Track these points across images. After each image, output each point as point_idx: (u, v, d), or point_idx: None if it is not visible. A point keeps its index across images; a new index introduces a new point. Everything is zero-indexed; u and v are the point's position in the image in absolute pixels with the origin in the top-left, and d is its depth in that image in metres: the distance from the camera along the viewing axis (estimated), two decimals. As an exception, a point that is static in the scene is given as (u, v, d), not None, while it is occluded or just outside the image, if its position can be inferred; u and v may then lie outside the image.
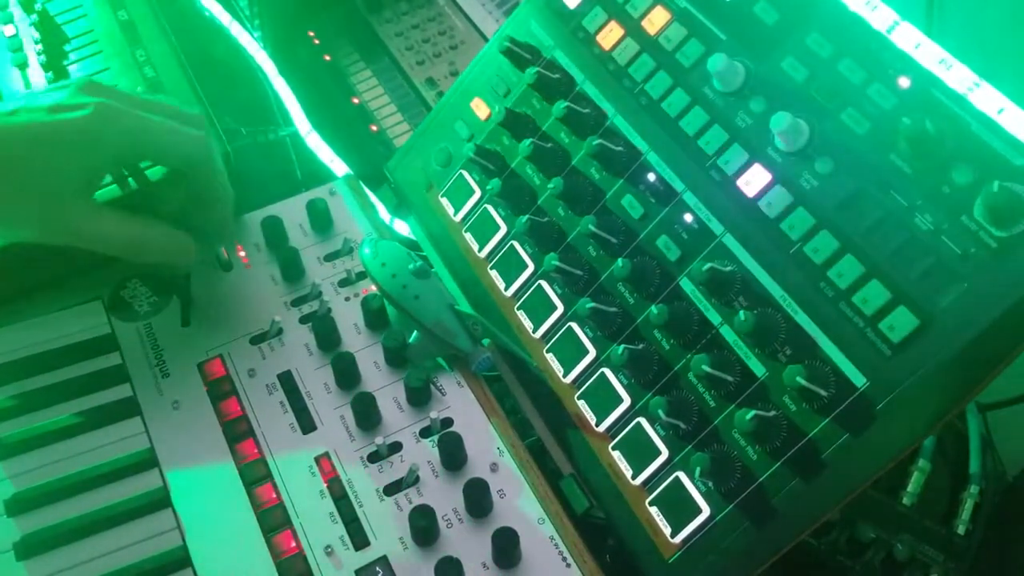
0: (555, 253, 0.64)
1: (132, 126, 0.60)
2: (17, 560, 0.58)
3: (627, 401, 0.59)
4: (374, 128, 0.93)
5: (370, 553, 0.58)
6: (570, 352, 0.63)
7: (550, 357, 0.64)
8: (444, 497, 0.60)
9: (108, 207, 0.62)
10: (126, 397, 0.66)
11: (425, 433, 0.63)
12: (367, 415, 0.62)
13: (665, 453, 0.57)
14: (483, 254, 0.70)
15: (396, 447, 0.62)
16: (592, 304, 0.60)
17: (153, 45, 0.84)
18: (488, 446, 0.62)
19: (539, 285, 0.66)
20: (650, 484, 0.58)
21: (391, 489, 0.60)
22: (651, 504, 0.57)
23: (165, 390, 0.66)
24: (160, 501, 0.61)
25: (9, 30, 0.87)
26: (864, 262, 0.52)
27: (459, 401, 0.64)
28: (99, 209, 0.61)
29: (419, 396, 0.63)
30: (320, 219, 0.74)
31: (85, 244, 0.63)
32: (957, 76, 0.52)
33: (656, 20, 0.65)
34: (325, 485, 0.61)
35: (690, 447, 0.56)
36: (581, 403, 0.62)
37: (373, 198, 0.79)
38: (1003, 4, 0.83)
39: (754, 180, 0.57)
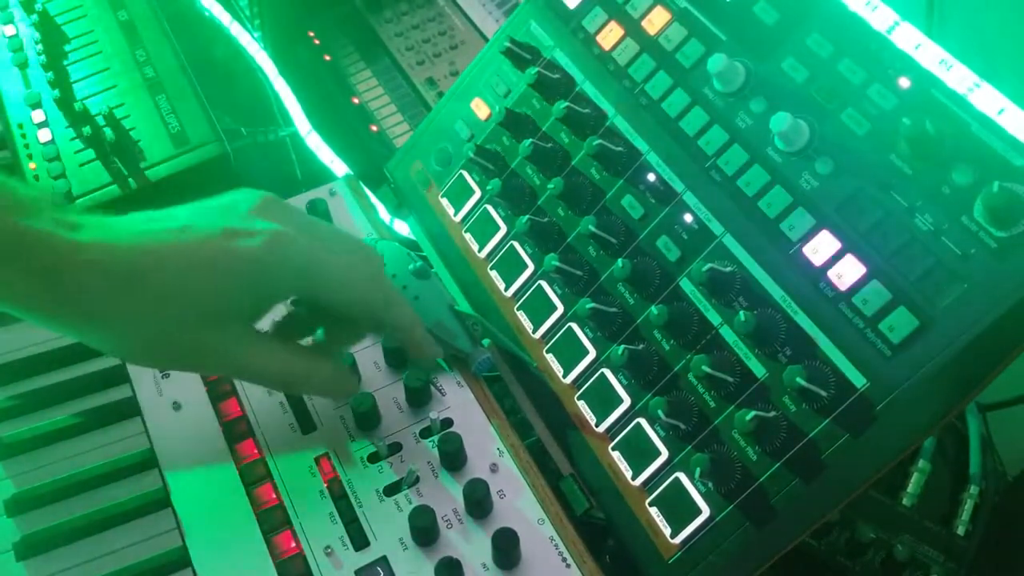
0: (555, 253, 0.64)
1: (307, 260, 0.54)
2: (17, 560, 0.58)
3: (627, 401, 0.59)
4: (374, 128, 0.93)
5: (370, 553, 0.58)
6: (570, 352, 0.63)
7: (550, 357, 0.64)
8: (444, 498, 0.60)
9: (270, 339, 0.57)
10: (126, 397, 0.66)
11: (425, 434, 0.63)
12: (367, 415, 0.62)
13: (665, 454, 0.57)
14: (483, 254, 0.70)
15: (396, 447, 0.62)
16: (592, 304, 0.60)
17: (153, 45, 0.84)
18: (488, 447, 0.62)
19: (539, 285, 0.66)
20: (650, 485, 0.58)
21: (391, 489, 0.60)
22: (651, 505, 0.57)
23: (165, 390, 0.66)
24: (160, 501, 0.61)
25: (9, 30, 0.87)
26: (864, 263, 0.52)
27: (459, 402, 0.64)
28: (260, 341, 0.56)
29: (419, 397, 0.63)
30: (320, 219, 0.74)
31: (241, 376, 0.60)
32: (957, 76, 0.52)
33: (656, 20, 0.65)
34: (325, 485, 0.61)
35: (690, 448, 0.56)
36: (581, 403, 0.62)
37: (373, 198, 0.79)
38: (1003, 4, 0.83)
39: (754, 181, 0.57)
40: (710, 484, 0.54)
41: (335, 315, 0.58)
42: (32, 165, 0.77)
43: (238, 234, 0.52)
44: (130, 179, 0.71)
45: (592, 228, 0.62)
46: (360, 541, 0.58)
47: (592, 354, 0.62)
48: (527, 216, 0.66)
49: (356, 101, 0.96)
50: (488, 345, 0.66)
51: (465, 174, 0.72)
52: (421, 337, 0.61)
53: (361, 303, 0.57)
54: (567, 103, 0.66)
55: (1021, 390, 0.72)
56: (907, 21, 0.54)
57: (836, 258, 0.53)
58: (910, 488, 0.65)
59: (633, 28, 0.66)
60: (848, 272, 0.52)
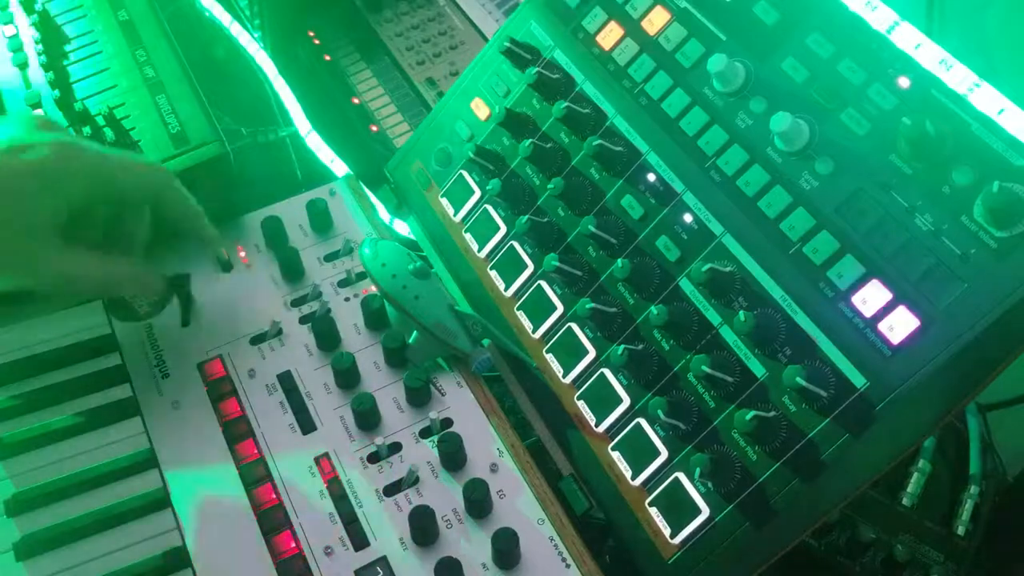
0: (555, 253, 0.64)
1: (94, 163, 0.58)
2: (17, 560, 0.58)
3: (627, 401, 0.59)
4: (374, 128, 0.93)
5: (370, 553, 0.58)
6: (570, 352, 0.63)
7: (550, 357, 0.64)
8: (444, 497, 0.60)
9: (74, 247, 0.58)
10: (126, 397, 0.66)
11: (425, 433, 0.63)
12: (367, 415, 0.62)
13: (665, 454, 0.57)
14: (483, 254, 0.70)
15: (396, 447, 0.62)
16: (592, 304, 0.60)
17: (153, 45, 0.84)
18: (488, 447, 0.62)
19: (539, 285, 0.66)
20: (650, 485, 0.58)
21: (391, 489, 0.60)
22: (651, 505, 0.57)
23: (165, 390, 0.66)
24: (160, 501, 0.61)
25: (9, 30, 0.87)
26: (864, 262, 0.52)
27: (459, 401, 0.64)
28: (66, 250, 0.58)
29: (419, 396, 0.63)
30: (320, 219, 0.74)
31: (55, 287, 0.61)
32: (957, 76, 0.52)
33: (656, 20, 0.65)
34: (325, 485, 0.61)
35: (690, 448, 0.56)
36: (581, 403, 0.62)
37: (373, 198, 0.79)
38: (1003, 4, 0.83)
39: (754, 181, 0.57)
40: (710, 484, 0.54)
41: (129, 215, 0.63)
42: (32, 165, 0.76)
43: (23, 148, 0.55)
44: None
45: (592, 228, 0.62)
46: (360, 541, 0.58)
47: (592, 354, 0.62)
48: (527, 216, 0.66)
49: (356, 101, 0.96)
50: (488, 345, 0.66)
51: (465, 174, 0.72)
52: (200, 229, 0.65)
53: (146, 190, 0.62)
54: (567, 103, 0.66)
55: (1021, 390, 0.72)
56: (907, 21, 0.54)
57: (836, 258, 0.53)
58: (910, 488, 0.65)
59: (633, 28, 0.66)
60: (848, 272, 0.52)
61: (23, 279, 0.59)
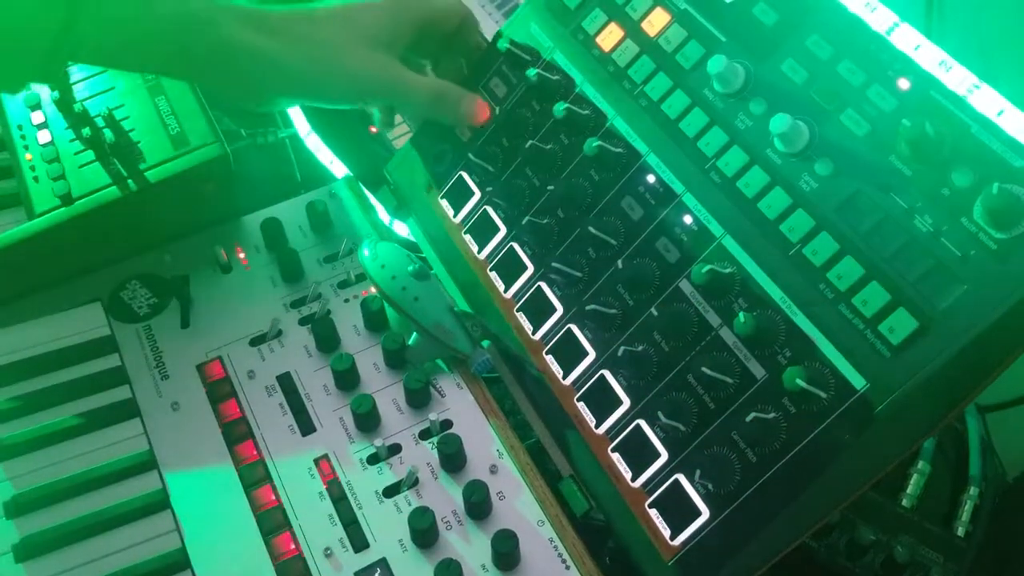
0: (554, 255, 0.64)
1: None
2: (16, 562, 0.58)
3: (627, 403, 0.59)
4: (374, 129, 0.93)
5: (369, 555, 0.58)
6: (570, 354, 0.63)
7: (549, 359, 0.64)
8: (443, 499, 0.60)
9: (410, 69, 0.70)
10: (125, 399, 0.66)
11: (424, 435, 0.63)
12: (366, 417, 0.62)
13: (665, 455, 0.57)
14: (483, 256, 0.70)
15: (395, 449, 0.62)
16: (592, 306, 0.60)
17: (153, 46, 0.84)
18: (487, 448, 0.62)
19: (539, 287, 0.66)
20: (650, 486, 0.58)
21: (390, 491, 0.60)
22: (651, 506, 0.57)
23: (164, 392, 0.66)
24: (159, 503, 0.61)
25: (9, 31, 0.87)
26: (864, 264, 0.52)
27: (458, 403, 0.64)
28: (407, 70, 0.70)
29: (418, 398, 0.63)
30: (320, 221, 0.74)
31: (398, 89, 0.70)
32: (957, 78, 0.52)
33: (656, 22, 0.65)
34: (324, 487, 0.61)
35: (690, 449, 0.56)
36: (580, 405, 0.62)
37: (373, 200, 0.79)
38: (1003, 5, 0.83)
39: (753, 182, 0.57)
40: (710, 486, 0.54)
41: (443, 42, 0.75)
42: (31, 166, 0.76)
43: None
44: (130, 180, 0.71)
45: (591, 229, 0.62)
46: (360, 543, 0.58)
47: (592, 355, 0.62)
48: (527, 217, 0.66)
49: (356, 102, 0.95)
50: (487, 346, 0.66)
51: (465, 175, 0.72)
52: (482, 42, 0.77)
53: (455, 16, 0.74)
54: (567, 104, 0.66)
55: (1021, 391, 0.72)
56: (906, 22, 0.54)
57: (835, 259, 0.53)
58: (910, 489, 0.65)
59: (633, 29, 0.66)
60: (847, 273, 0.52)
61: (382, 91, 0.70)
